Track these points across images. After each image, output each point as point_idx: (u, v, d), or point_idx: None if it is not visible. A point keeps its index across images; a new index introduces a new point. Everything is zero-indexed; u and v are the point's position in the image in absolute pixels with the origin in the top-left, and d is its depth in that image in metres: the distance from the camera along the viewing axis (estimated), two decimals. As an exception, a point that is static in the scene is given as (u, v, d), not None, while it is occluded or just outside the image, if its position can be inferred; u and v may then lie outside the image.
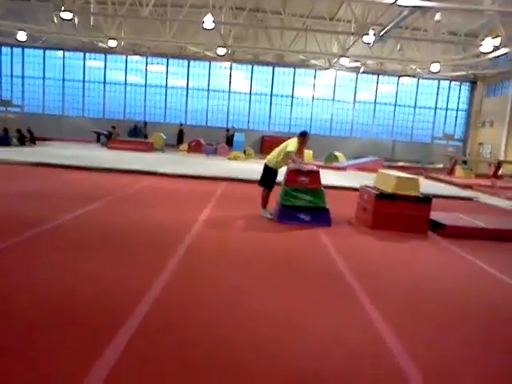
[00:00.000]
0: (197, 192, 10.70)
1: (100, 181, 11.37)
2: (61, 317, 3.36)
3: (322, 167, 20.77)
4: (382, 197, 7.64)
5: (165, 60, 30.74)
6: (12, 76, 30.83)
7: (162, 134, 25.75)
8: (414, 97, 31.77)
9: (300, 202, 7.68)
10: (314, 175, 7.84)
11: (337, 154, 23.57)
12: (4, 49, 30.38)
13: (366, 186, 8.47)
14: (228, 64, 30.44)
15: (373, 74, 30.70)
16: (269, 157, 8.22)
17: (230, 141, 26.58)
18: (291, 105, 31.37)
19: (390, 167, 20.40)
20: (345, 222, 8.15)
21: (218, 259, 5.20)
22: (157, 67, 31.17)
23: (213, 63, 30.47)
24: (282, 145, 8.01)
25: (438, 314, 4.07)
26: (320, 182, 7.88)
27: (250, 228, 7.18)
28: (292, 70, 30.80)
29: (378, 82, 31.38)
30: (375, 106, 31.67)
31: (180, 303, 3.81)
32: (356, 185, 10.47)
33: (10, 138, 20.14)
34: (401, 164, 24.21)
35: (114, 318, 3.38)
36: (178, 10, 23.10)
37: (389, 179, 7.98)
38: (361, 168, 20.99)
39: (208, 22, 21.45)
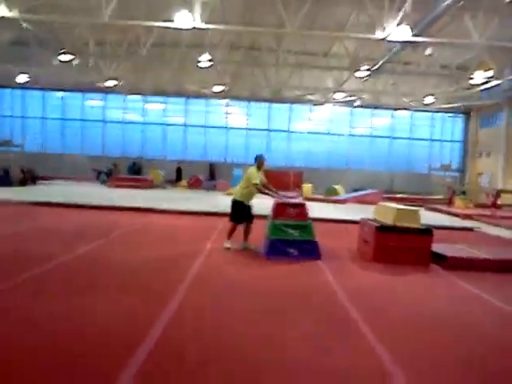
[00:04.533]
0: (198, 227, 10.69)
1: (102, 218, 11.35)
2: (68, 358, 3.31)
3: (322, 200, 20.93)
4: (382, 229, 7.63)
5: (163, 98, 31.23)
6: (13, 117, 31.23)
7: (160, 171, 25.90)
8: (409, 129, 32.18)
9: (288, 236, 7.60)
10: (301, 208, 7.84)
11: (336, 187, 23.68)
12: (5, 91, 30.87)
13: (367, 219, 8.47)
14: (225, 101, 30.92)
15: (367, 107, 31.17)
16: (235, 191, 8.27)
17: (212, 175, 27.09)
18: (288, 139, 31.71)
19: (389, 199, 20.45)
20: (346, 256, 8.11)
21: (222, 292, 5.16)
22: (155, 105, 31.64)
23: (210, 100, 30.95)
24: (244, 177, 8.08)
25: (446, 349, 4.01)
26: (307, 215, 7.86)
27: (249, 264, 7.12)
28: (288, 105, 31.29)
29: (372, 116, 31.85)
30: (371, 138, 32.03)
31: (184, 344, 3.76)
32: (356, 218, 10.47)
33: (11, 177, 20.26)
34: (400, 196, 24.28)
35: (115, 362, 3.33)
36: (176, 50, 23.64)
37: (389, 211, 7.98)
38: (360, 200, 21.05)
39: (205, 60, 21.96)
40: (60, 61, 21.95)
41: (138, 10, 17.81)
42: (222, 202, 17.63)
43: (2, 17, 14.67)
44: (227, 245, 8.00)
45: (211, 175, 29.29)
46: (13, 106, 31.27)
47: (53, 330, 3.87)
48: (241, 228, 8.13)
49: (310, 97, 29.56)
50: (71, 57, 21.97)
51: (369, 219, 8.43)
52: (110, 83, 25.24)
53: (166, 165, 28.79)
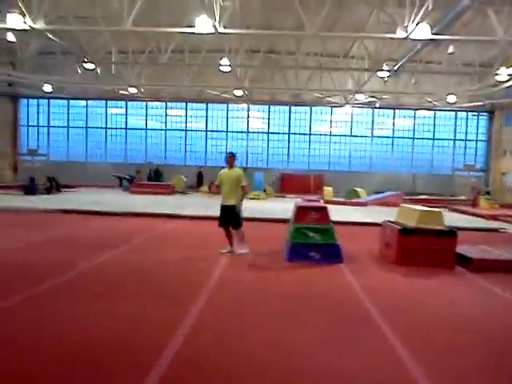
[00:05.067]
0: (218, 232, 10.71)
1: (125, 225, 11.52)
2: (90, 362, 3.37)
3: (343, 203, 20.80)
4: (405, 232, 7.54)
5: (184, 104, 31.48)
6: (38, 126, 31.94)
7: (182, 177, 26.10)
8: (431, 129, 31.71)
9: (309, 240, 7.57)
10: (323, 211, 7.80)
11: (357, 189, 23.49)
12: (30, 101, 31.58)
13: (389, 221, 8.38)
14: (245, 105, 31.01)
15: (389, 108, 30.85)
16: (230, 197, 7.90)
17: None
18: (309, 142, 31.60)
19: (411, 201, 20.20)
20: (368, 259, 8.04)
21: (243, 298, 5.17)
22: (176, 111, 31.92)
23: (230, 105, 31.08)
24: (233, 180, 7.86)
25: (473, 352, 3.94)
26: (329, 218, 7.82)
27: (270, 268, 7.12)
28: (308, 108, 31.18)
29: (394, 116, 31.51)
30: (393, 140, 31.68)
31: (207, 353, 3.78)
32: (378, 220, 10.37)
33: (36, 186, 20.69)
34: (423, 197, 23.95)
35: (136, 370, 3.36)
36: (196, 55, 23.86)
37: (411, 213, 7.89)
38: (382, 203, 20.83)
39: (224, 65, 22.11)
40: (83, 69, 22.38)
41: (158, 18, 18.03)
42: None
43: (29, 28, 14.99)
44: (242, 250, 7.93)
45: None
46: (38, 115, 31.96)
47: (76, 337, 3.94)
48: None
49: (330, 99, 29.46)
50: (93, 66, 22.38)
51: (391, 221, 8.34)
52: (132, 90, 25.59)
53: (187, 170, 28.97)
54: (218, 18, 14.74)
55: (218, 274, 6.44)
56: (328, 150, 31.55)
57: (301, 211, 7.81)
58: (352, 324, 4.55)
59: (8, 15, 14.75)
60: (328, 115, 31.51)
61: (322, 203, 8.84)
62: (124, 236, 9.56)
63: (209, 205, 17.97)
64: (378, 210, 18.06)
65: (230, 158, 8.03)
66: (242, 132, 31.74)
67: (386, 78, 22.97)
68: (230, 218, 7.88)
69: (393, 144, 31.68)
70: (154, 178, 28.11)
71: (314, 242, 7.56)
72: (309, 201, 8.73)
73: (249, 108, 31.39)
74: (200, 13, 14.82)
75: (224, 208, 7.98)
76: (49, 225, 11.23)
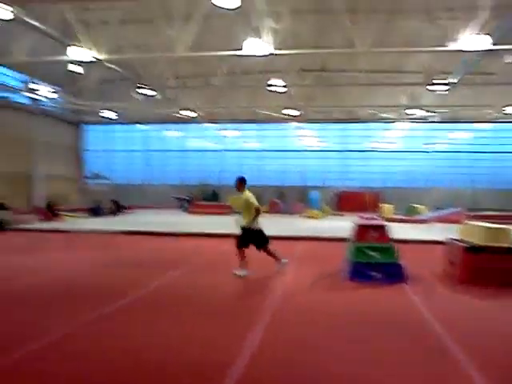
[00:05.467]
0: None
1: (186, 245, 11.87)
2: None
3: (404, 221, 20.29)
4: (471, 250, 7.27)
5: (238, 125, 32.02)
6: (101, 151, 33.51)
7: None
8: (492, 142, 30.47)
9: (370, 259, 7.43)
10: (382, 229, 7.66)
11: (417, 206, 22.88)
12: (94, 126, 33.25)
13: (453, 239, 8.12)
14: (299, 124, 31.14)
15: (446, 122, 30.00)
16: (244, 219, 7.74)
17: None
18: (364, 159, 31.20)
19: (475, 217, 19.41)
20: (432, 278, 7.80)
21: (304, 320, 5.17)
22: (231, 132, 32.51)
23: (284, 124, 31.29)
24: (242, 205, 7.76)
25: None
26: (389, 237, 7.66)
27: (332, 288, 7.06)
28: (363, 124, 30.89)
29: (452, 130, 30.59)
30: (451, 154, 30.70)
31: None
32: (440, 238, 10.06)
33: (101, 208, 21.71)
34: (488, 213, 22.92)
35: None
36: (248, 77, 24.36)
37: (477, 231, 7.61)
38: (442, 220, 20.17)
39: (277, 85, 22.42)
40: (141, 95, 23.40)
41: (211, 42, 18.61)
42: (301, 225, 17.67)
43: (93, 59, 15.90)
44: (239, 272, 7.62)
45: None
46: (100, 140, 33.58)
47: (143, 354, 4.08)
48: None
49: (384, 115, 29.07)
50: (150, 91, 23.35)
51: (455, 239, 8.08)
52: (187, 113, 26.40)
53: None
54: (270, 39, 15.03)
55: (279, 292, 6.47)
56: (384, 166, 31.02)
57: (361, 229, 7.73)
58: (426, 353, 4.20)
59: (72, 48, 15.66)
60: (383, 131, 31.05)
61: (381, 221, 8.67)
62: (185, 256, 9.84)
63: (267, 224, 18.07)
64: (440, 227, 17.49)
65: (238, 184, 7.90)
66: (296, 151, 31.82)
67: (441, 92, 22.40)
68: (249, 239, 7.77)
69: (451, 159, 30.69)
70: (212, 199, 28.69)
71: (375, 261, 7.44)
72: (368, 219, 8.61)
73: (302, 127, 31.50)
74: (252, 35, 15.16)
75: (242, 230, 7.87)
76: (114, 246, 11.70)
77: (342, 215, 25.01)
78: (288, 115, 26.85)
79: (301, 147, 31.94)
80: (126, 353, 4.12)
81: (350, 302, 6.15)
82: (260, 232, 7.84)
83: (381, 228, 7.73)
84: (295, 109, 25.79)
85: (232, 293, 6.56)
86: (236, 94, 25.89)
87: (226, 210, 24.09)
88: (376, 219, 9.32)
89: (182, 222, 18.03)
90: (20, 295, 6.29)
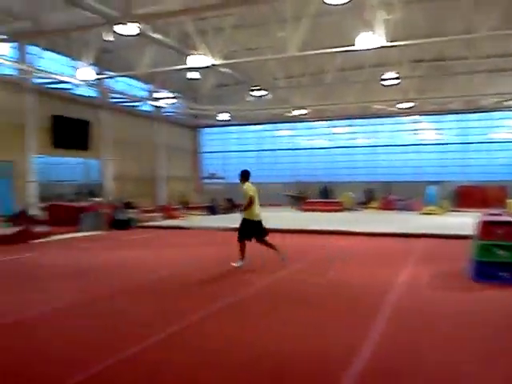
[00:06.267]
0: (394, 250, 10.54)
1: (302, 241, 12.19)
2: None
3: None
4: None
5: (348, 121, 31.52)
6: (216, 152, 35.17)
7: (350, 193, 26.17)
8: None
9: (497, 258, 6.92)
10: (510, 226, 7.11)
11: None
12: (211, 129, 35.00)
13: None
14: (413, 117, 29.83)
15: None
16: (251, 212, 8.13)
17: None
18: (487, 151, 28.93)
19: None
20: None
21: (425, 322, 5.05)
22: (341, 129, 32.15)
23: (397, 118, 30.20)
24: (244, 196, 8.17)
25: None
26: None
27: (453, 288, 6.75)
28: (485, 114, 28.67)
29: None
30: None
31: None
32: None
33: (217, 206, 22.87)
34: None
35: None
36: (358, 71, 23.96)
37: None
38: None
39: (389, 78, 21.76)
40: (253, 96, 24.15)
41: (321, 40, 18.61)
42: (416, 222, 17.01)
43: (211, 65, 16.79)
44: (236, 264, 8.12)
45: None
46: (216, 142, 35.27)
47: (261, 348, 4.31)
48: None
49: (510, 102, 26.72)
50: (263, 92, 24.02)
51: None
52: (298, 112, 26.65)
53: (355, 187, 28.81)
54: (382, 32, 14.63)
55: (395, 294, 6.36)
56: (509, 158, 28.48)
57: (486, 226, 7.26)
58: None
59: (191, 57, 16.67)
60: (509, 120, 28.55)
61: (509, 217, 8.07)
62: (302, 252, 10.05)
63: (379, 221, 17.70)
64: None
65: (240, 176, 8.39)
66: (411, 145, 30.51)
67: None
68: (251, 230, 8.14)
69: None
70: (324, 196, 28.70)
71: (502, 260, 6.97)
72: (494, 215, 8.06)
73: (417, 120, 30.15)
74: (363, 29, 14.89)
75: (242, 222, 8.30)
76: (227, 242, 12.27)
77: (461, 211, 23.50)
78: (402, 108, 25.87)
79: (416, 141, 30.52)
80: (237, 343, 4.40)
81: (473, 302, 5.87)
82: (259, 223, 8.22)
83: (509, 225, 7.22)
84: (409, 101, 24.77)
85: (352, 289, 6.60)
86: (347, 90, 25.55)
87: (338, 207, 23.98)
88: (503, 215, 8.70)
89: (295, 219, 18.31)
90: (155, 286, 7.10)
